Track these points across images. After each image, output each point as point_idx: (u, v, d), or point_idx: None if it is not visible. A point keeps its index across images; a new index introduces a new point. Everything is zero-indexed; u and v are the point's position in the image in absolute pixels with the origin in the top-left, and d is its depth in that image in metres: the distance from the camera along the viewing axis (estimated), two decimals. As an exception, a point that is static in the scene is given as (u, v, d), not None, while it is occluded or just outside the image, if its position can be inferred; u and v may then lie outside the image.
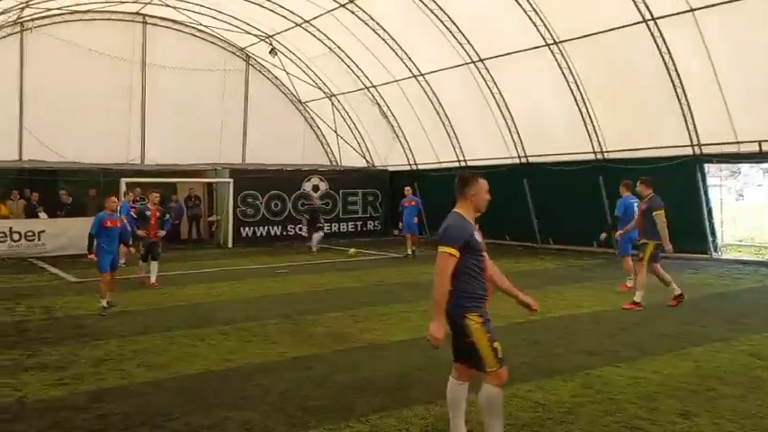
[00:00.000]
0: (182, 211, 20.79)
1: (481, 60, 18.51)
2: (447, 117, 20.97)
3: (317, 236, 19.18)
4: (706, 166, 15.49)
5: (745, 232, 20.29)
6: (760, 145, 14.23)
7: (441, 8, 17.76)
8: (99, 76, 21.32)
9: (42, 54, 20.80)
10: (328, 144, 26.50)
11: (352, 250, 18.19)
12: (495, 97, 18.88)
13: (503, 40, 17.56)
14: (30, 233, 17.54)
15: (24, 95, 20.82)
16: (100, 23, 21.78)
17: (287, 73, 24.15)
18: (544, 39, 16.55)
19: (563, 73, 16.73)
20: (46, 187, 19.10)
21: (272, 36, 22.71)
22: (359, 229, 23.37)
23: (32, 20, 20.56)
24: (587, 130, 17.09)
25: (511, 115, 18.90)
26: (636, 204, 10.77)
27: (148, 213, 12.45)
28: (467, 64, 18.89)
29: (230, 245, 20.53)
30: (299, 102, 25.78)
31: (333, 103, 24.59)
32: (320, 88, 24.31)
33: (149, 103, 22.76)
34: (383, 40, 20.10)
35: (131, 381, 6.33)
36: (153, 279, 12.42)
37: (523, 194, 18.80)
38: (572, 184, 17.42)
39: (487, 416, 4.34)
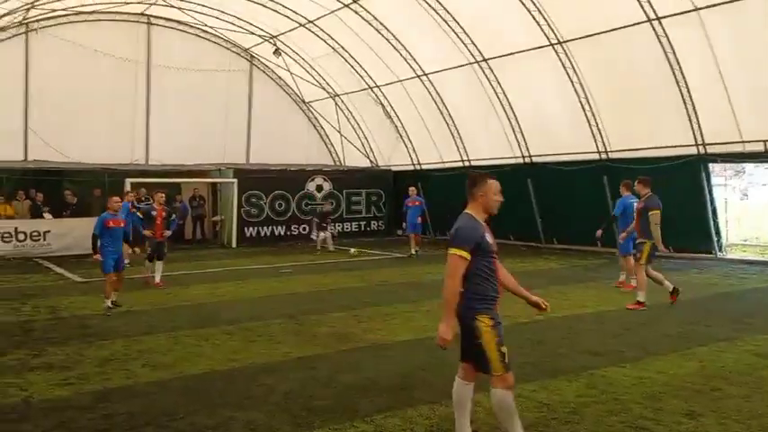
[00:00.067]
0: (186, 211, 20.82)
1: (485, 60, 18.50)
2: (451, 117, 20.96)
3: (322, 235, 19.16)
4: (710, 165, 15.46)
5: (750, 232, 20.24)
6: (765, 144, 14.20)
7: (444, 8, 17.76)
8: (104, 77, 21.39)
9: (47, 55, 20.87)
10: (332, 144, 26.52)
11: (353, 250, 18.20)
12: (498, 97, 18.87)
13: (506, 40, 17.55)
14: (35, 233, 17.60)
15: (30, 96, 20.89)
16: (105, 24, 21.85)
17: (291, 73, 24.17)
18: (548, 38, 16.54)
19: (567, 73, 16.71)
20: (51, 187, 19.17)
21: (275, 36, 22.73)
22: (362, 228, 23.38)
23: (37, 21, 20.63)
24: (591, 130, 17.06)
25: (515, 115, 18.88)
26: (635, 204, 10.73)
27: (154, 213, 12.48)
28: (470, 64, 18.88)
29: (234, 245, 20.55)
30: (303, 102, 25.80)
31: (336, 104, 24.61)
32: (324, 88, 24.33)
33: (154, 104, 22.81)
34: (387, 39, 20.10)
35: (136, 381, 6.35)
36: (157, 279, 12.45)
37: (527, 194, 18.78)
38: (576, 184, 17.40)
39: (503, 420, 4.33)
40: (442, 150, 22.02)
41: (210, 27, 22.86)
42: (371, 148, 25.15)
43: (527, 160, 19.16)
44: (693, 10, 13.73)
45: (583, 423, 5.08)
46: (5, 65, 20.45)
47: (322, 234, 19.18)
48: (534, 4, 15.99)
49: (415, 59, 20.40)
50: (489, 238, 4.36)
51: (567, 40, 16.36)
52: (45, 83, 20.76)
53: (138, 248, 12.48)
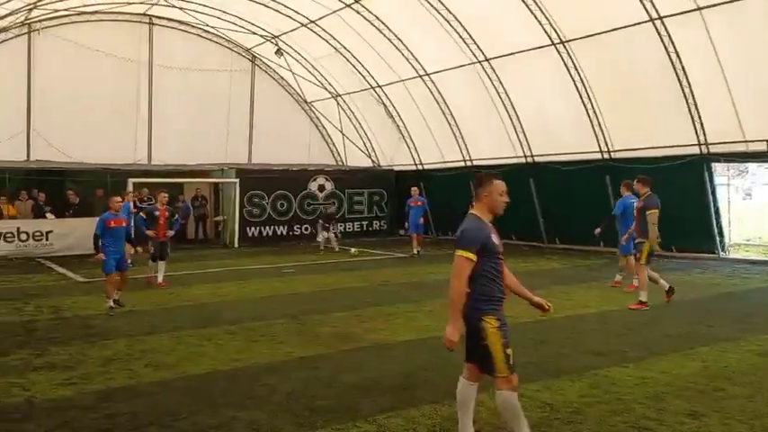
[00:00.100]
0: (188, 211, 20.83)
1: (487, 60, 18.49)
2: (453, 117, 20.95)
3: (325, 235, 19.11)
4: (713, 165, 15.43)
5: (753, 232, 20.21)
6: (768, 144, 14.19)
7: (446, 8, 17.76)
8: (106, 77, 21.42)
9: (50, 55, 20.90)
10: (334, 144, 26.52)
11: (354, 250, 18.20)
12: (500, 97, 18.86)
13: (508, 40, 17.54)
14: (37, 233, 17.63)
15: (32, 96, 20.92)
16: (107, 24, 21.87)
17: (293, 73, 24.18)
18: (550, 38, 16.52)
19: (569, 72, 16.70)
20: (53, 187, 19.22)
21: (277, 36, 22.74)
22: (364, 228, 23.38)
23: (40, 21, 20.66)
24: (594, 130, 17.05)
25: (517, 115, 18.87)
26: (635, 203, 10.70)
27: (157, 213, 12.49)
28: (472, 64, 18.87)
29: (236, 245, 20.57)
30: (305, 102, 25.81)
31: (338, 103, 24.61)
32: (326, 88, 24.33)
33: (156, 104, 22.83)
34: (389, 39, 20.10)
35: (139, 380, 6.35)
36: (160, 279, 12.46)
37: (529, 194, 18.77)
38: (578, 184, 17.39)
39: (509, 420, 4.32)
40: (444, 150, 22.01)
41: (212, 27, 22.88)
42: (373, 148, 25.15)
43: (529, 160, 19.15)
44: (696, 9, 13.72)
45: (586, 423, 5.07)
46: (8, 65, 20.48)
47: (325, 234, 19.16)
48: (536, 4, 15.98)
49: (417, 59, 20.39)
50: (495, 239, 4.35)
51: (569, 40, 16.34)
52: (47, 83, 20.79)
53: (141, 248, 12.49)
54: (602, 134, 17.02)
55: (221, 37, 23.83)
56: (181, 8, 21.18)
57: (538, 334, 8.00)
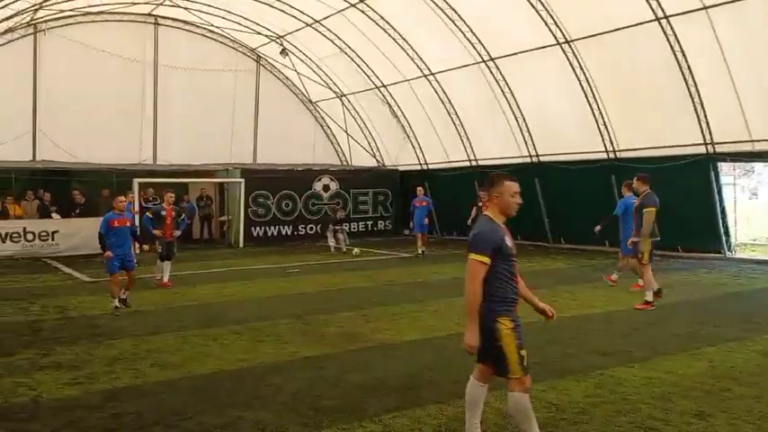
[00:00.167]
0: (193, 211, 20.89)
1: (492, 59, 18.46)
2: (458, 116, 20.93)
3: (334, 242, 18.89)
4: (719, 164, 15.38)
5: (759, 231, 20.14)
6: (774, 143, 14.13)
7: (451, 7, 17.74)
8: (111, 77, 21.48)
9: (55, 55, 20.97)
10: (339, 144, 26.53)
11: (357, 250, 18.18)
12: (506, 96, 18.83)
13: (513, 40, 17.51)
14: (43, 233, 17.69)
15: (38, 96, 21.00)
16: (112, 25, 21.93)
17: (297, 73, 24.20)
18: (555, 38, 16.49)
19: (574, 72, 16.66)
20: (59, 187, 19.28)
21: (282, 36, 22.76)
22: (369, 228, 23.39)
23: (45, 21, 20.73)
24: (599, 129, 17.01)
25: (522, 114, 18.84)
26: (634, 203, 10.66)
27: (164, 213, 12.50)
28: (477, 63, 18.85)
29: (241, 245, 20.60)
30: (310, 102, 25.83)
31: (343, 103, 24.62)
32: (330, 88, 24.34)
33: (161, 104, 22.88)
34: (393, 39, 20.10)
35: (145, 380, 6.36)
36: (165, 279, 12.48)
37: (535, 194, 18.73)
38: (584, 184, 17.36)
39: (520, 422, 4.31)
40: (449, 150, 22.00)
41: (217, 27, 22.92)
42: (378, 148, 25.15)
43: (534, 160, 19.12)
44: (702, 8, 13.67)
45: (592, 423, 5.06)
46: (14, 66, 20.56)
47: (334, 241, 18.78)
48: (541, 4, 15.95)
49: (421, 59, 20.38)
50: (509, 241, 4.31)
51: (575, 40, 16.30)
52: (53, 83, 20.86)
53: (148, 246, 12.52)
54: (608, 134, 16.98)
55: (226, 37, 23.87)
56: (186, 8, 21.23)
57: (543, 334, 7.96)
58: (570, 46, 16.43)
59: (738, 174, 18.25)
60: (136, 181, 18.56)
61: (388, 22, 19.70)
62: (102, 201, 18.32)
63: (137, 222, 13.64)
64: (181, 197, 20.10)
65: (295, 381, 6.24)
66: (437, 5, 17.78)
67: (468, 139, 21.11)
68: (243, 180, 20.76)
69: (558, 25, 16.27)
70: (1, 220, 17.60)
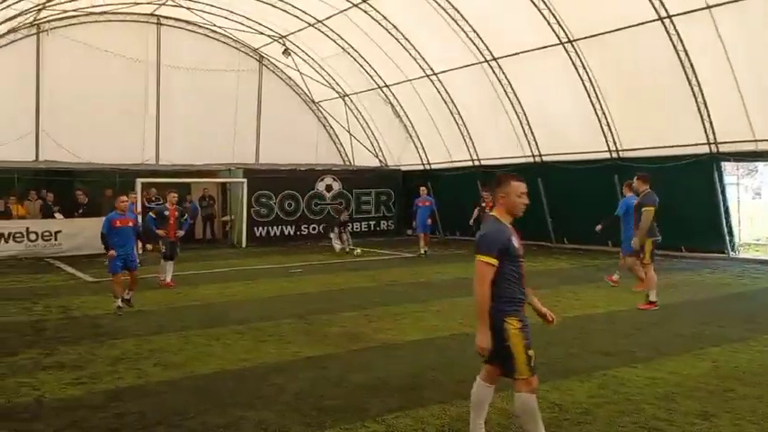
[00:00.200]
0: (196, 211, 20.89)
1: (495, 59, 18.45)
2: (460, 116, 20.92)
3: (339, 244, 18.76)
4: (723, 164, 15.34)
5: (763, 231, 20.08)
6: (778, 143, 14.09)
7: (454, 7, 17.73)
8: (114, 77, 21.50)
9: (58, 56, 21.00)
10: (341, 144, 26.54)
11: (358, 250, 18.16)
12: (508, 96, 18.81)
13: (516, 39, 17.49)
14: (46, 233, 17.72)
15: (41, 97, 21.03)
16: (115, 25, 21.96)
17: (300, 73, 24.21)
18: (558, 37, 16.47)
19: (577, 71, 16.64)
20: (62, 188, 19.31)
21: (285, 36, 22.77)
22: (372, 228, 23.38)
23: (48, 21, 20.76)
24: (602, 129, 16.98)
25: (525, 114, 18.82)
26: (634, 202, 10.63)
27: (167, 213, 12.50)
28: (480, 63, 18.83)
29: (244, 245, 20.60)
30: (313, 102, 25.83)
31: (346, 103, 24.62)
32: (333, 88, 24.34)
33: (164, 104, 22.91)
34: (396, 39, 20.09)
35: (148, 380, 6.37)
36: (168, 279, 12.48)
37: (538, 194, 18.70)
38: (587, 184, 17.33)
39: (526, 423, 4.29)
40: (452, 150, 21.99)
41: (220, 27, 22.93)
42: (381, 148, 25.15)
43: (537, 160, 19.09)
44: (705, 8, 13.64)
45: (595, 424, 5.05)
46: (17, 66, 20.60)
47: (339, 243, 18.58)
48: (544, 3, 15.93)
49: (424, 59, 20.37)
50: (516, 241, 4.29)
51: (578, 39, 16.28)
52: (56, 83, 20.89)
53: (151, 245, 12.52)
54: (611, 134, 16.95)
55: (229, 37, 23.88)
56: (188, 8, 21.24)
57: (546, 334, 7.92)
58: (573, 46, 16.41)
59: (742, 174, 18.14)
60: (139, 181, 18.59)
61: (390, 22, 19.69)
62: (105, 201, 18.34)
63: (140, 222, 13.62)
64: (183, 197, 20.13)
65: (298, 381, 6.23)
66: (440, 5, 17.77)
67: (470, 138, 21.10)
68: (245, 180, 20.77)
69: (560, 25, 16.25)
70: (4, 220, 17.62)
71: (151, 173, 20.30)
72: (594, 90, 16.65)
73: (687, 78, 14.69)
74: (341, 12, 19.96)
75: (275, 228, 21.58)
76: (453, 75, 20.13)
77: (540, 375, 6.09)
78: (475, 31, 18.14)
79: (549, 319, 4.56)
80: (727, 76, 14.04)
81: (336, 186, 22.74)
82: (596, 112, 16.86)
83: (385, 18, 19.60)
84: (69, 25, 21.21)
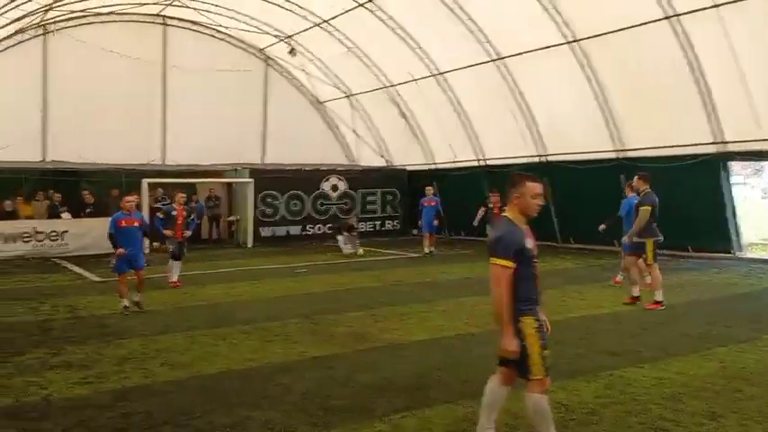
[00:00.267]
0: (202, 211, 20.94)
1: (501, 59, 18.41)
2: (466, 116, 20.89)
3: (349, 247, 18.66)
4: (730, 164, 15.27)
5: (770, 231, 19.99)
6: (785, 142, 14.01)
7: (460, 6, 17.69)
8: (120, 78, 21.53)
9: (65, 56, 21.04)
10: (347, 144, 26.53)
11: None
12: (514, 96, 18.77)
13: (522, 39, 17.44)
14: (53, 233, 17.79)
15: (48, 97, 21.10)
16: (121, 26, 21.99)
17: (306, 73, 24.22)
18: (565, 37, 16.42)
19: (584, 71, 16.58)
20: (69, 188, 19.37)
21: (290, 36, 22.77)
22: (377, 228, 23.36)
23: (55, 22, 20.83)
24: (608, 129, 16.92)
25: (531, 114, 18.78)
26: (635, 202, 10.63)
27: (175, 213, 12.51)
28: (486, 63, 18.79)
29: (250, 245, 20.63)
30: (318, 102, 25.84)
31: (351, 103, 24.62)
32: (339, 88, 24.34)
33: (170, 104, 22.94)
34: (402, 39, 20.07)
35: (154, 380, 6.39)
36: (174, 278, 12.50)
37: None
38: (593, 183, 17.27)
39: (538, 423, 4.27)
40: (458, 149, 21.94)
41: (225, 27, 22.95)
42: (386, 148, 25.13)
43: (543, 159, 19.04)
44: (713, 6, 13.57)
45: (602, 424, 5.04)
46: (24, 66, 20.65)
47: (349, 246, 18.28)
48: (550, 2, 15.89)
49: (430, 58, 20.35)
50: (530, 243, 4.26)
51: (584, 38, 16.22)
52: (62, 84, 20.94)
53: (157, 243, 12.54)
54: (617, 133, 16.89)
55: (234, 37, 23.90)
56: (194, 9, 21.28)
57: (552, 334, 7.91)
58: (579, 45, 16.36)
59: (749, 173, 18.09)
60: (145, 181, 18.63)
61: (396, 22, 19.68)
62: (112, 201, 18.40)
63: (146, 221, 13.63)
64: (189, 197, 20.17)
65: (304, 380, 6.24)
66: (446, 5, 17.74)
67: (476, 138, 21.06)
68: (251, 180, 20.80)
69: (566, 24, 16.20)
70: (11, 220, 17.70)
71: (157, 173, 20.36)
72: (600, 89, 16.59)
73: (694, 77, 14.62)
74: (347, 11, 19.94)
75: (281, 228, 21.59)
76: (459, 74, 20.09)
77: (547, 375, 6.14)
78: (481, 31, 18.11)
79: (545, 328, 4.50)
80: (734, 74, 13.97)
81: (342, 186, 22.74)
82: (602, 112, 16.80)
83: (391, 18, 19.58)
84: (76, 26, 21.24)
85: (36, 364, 6.97)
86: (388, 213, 23.73)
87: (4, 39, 20.00)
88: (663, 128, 15.72)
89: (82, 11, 20.51)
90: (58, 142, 20.70)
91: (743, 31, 13.55)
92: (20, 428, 5.12)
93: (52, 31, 20.96)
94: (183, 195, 13.07)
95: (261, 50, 24.57)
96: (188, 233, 12.74)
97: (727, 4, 13.34)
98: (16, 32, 20.00)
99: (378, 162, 25.17)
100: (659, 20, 14.41)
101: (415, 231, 22.05)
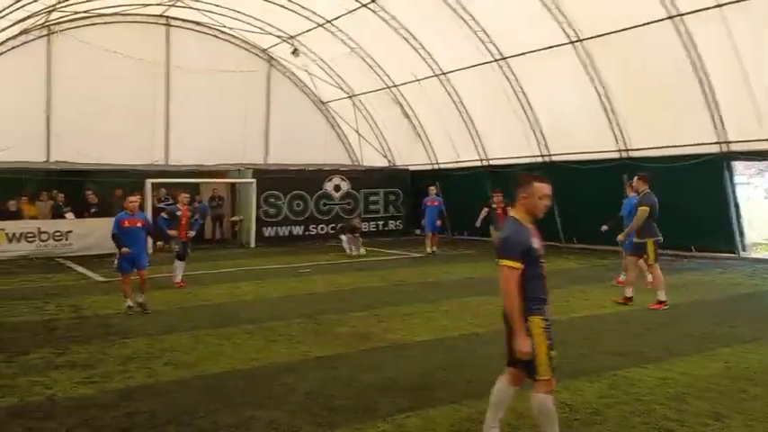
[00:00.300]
0: (205, 211, 20.94)
1: (504, 59, 18.40)
2: (469, 116, 20.88)
3: (353, 248, 18.64)
4: (733, 163, 15.24)
5: (774, 231, 19.92)
6: (789, 142, 13.99)
7: (463, 7, 17.69)
8: (124, 79, 21.59)
9: (68, 57, 21.10)
10: (350, 144, 26.55)
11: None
12: (517, 96, 18.77)
13: (525, 39, 17.44)
14: (57, 233, 17.82)
15: (51, 98, 21.16)
16: (124, 26, 22.05)
17: (309, 73, 24.24)
18: (568, 36, 16.41)
19: (587, 71, 16.57)
20: (73, 188, 19.41)
21: (293, 37, 22.80)
22: (380, 228, 23.36)
23: (59, 23, 20.88)
24: (612, 129, 16.91)
25: (534, 114, 18.77)
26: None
27: (179, 214, 12.51)
28: (489, 63, 18.79)
29: (253, 245, 20.65)
30: (321, 102, 25.86)
31: (354, 103, 24.62)
32: (342, 88, 24.36)
33: (173, 105, 22.99)
34: (405, 39, 20.08)
35: (158, 379, 6.40)
36: (178, 279, 12.51)
37: (546, 193, 18.62)
38: (596, 183, 17.24)
39: (543, 424, 4.27)
40: (460, 150, 21.94)
41: (229, 28, 22.99)
42: (389, 148, 25.14)
43: (546, 159, 19.03)
44: (716, 6, 13.55)
45: (606, 424, 5.03)
46: (28, 67, 20.72)
47: (353, 247, 18.24)
48: (553, 2, 15.88)
49: (433, 59, 20.35)
50: (537, 243, 4.27)
51: (587, 38, 16.21)
52: (66, 84, 21.00)
53: (161, 242, 12.54)
54: (620, 133, 16.87)
55: (237, 38, 23.95)
56: (198, 9, 21.31)
57: (556, 334, 7.87)
58: (582, 45, 16.34)
59: (752, 173, 18.04)
60: (148, 181, 18.66)
61: (399, 22, 19.69)
62: (116, 201, 18.42)
63: (150, 221, 13.64)
64: (193, 197, 20.20)
65: (308, 380, 6.25)
66: (448, 5, 17.74)
67: (479, 138, 21.06)
68: (254, 180, 20.82)
69: (569, 24, 16.19)
70: (15, 220, 17.74)
71: (161, 173, 20.39)
72: (604, 89, 16.58)
73: (697, 77, 14.60)
74: (350, 12, 19.95)
75: (284, 228, 21.61)
76: (462, 74, 20.09)
77: (551, 375, 6.13)
78: (484, 31, 18.11)
79: None
80: (737, 74, 13.95)
81: (345, 186, 22.75)
82: (605, 112, 16.79)
83: (394, 18, 19.59)
84: (79, 27, 21.31)
85: (40, 364, 6.99)
86: (391, 213, 23.73)
87: (9, 40, 20.07)
88: (666, 128, 15.70)
89: (85, 12, 20.56)
90: (62, 142, 20.76)
91: (746, 31, 13.53)
92: (25, 428, 5.13)
93: (56, 32, 21.03)
94: (187, 195, 13.09)
95: (264, 51, 24.61)
96: (192, 233, 12.75)
97: (730, 3, 13.33)
98: (20, 33, 20.06)
99: (380, 162, 25.19)
100: (662, 20, 14.40)
101: (417, 231, 22.04)
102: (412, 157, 24.16)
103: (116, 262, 10.20)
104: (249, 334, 8.32)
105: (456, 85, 20.59)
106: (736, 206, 15.17)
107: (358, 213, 21.72)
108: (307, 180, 22.06)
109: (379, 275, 13.77)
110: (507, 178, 18.57)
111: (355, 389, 5.98)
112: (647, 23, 14.72)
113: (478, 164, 21.35)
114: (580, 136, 17.79)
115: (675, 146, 15.58)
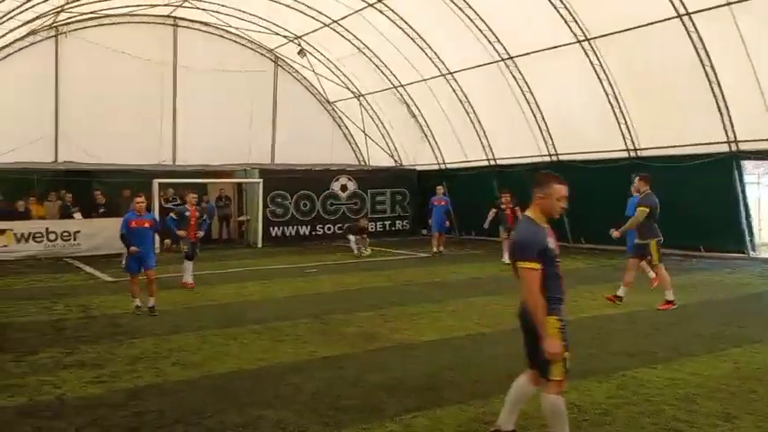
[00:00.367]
0: (212, 211, 20.98)
1: (511, 58, 18.36)
2: (476, 115, 20.84)
3: (360, 247, 18.61)
4: (743, 162, 15.15)
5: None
6: (799, 141, 13.90)
7: (470, 6, 17.66)
8: (131, 79, 21.68)
9: (76, 57, 21.20)
10: (356, 144, 26.56)
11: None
12: (525, 95, 18.71)
13: (532, 38, 17.39)
14: (65, 233, 17.90)
15: (59, 98, 21.25)
16: (132, 27, 22.15)
17: (315, 73, 24.26)
18: (575, 35, 16.35)
19: (594, 70, 16.51)
20: (81, 188, 19.49)
21: (300, 37, 22.82)
22: (387, 228, 23.34)
23: (67, 24, 20.98)
24: (620, 128, 16.83)
25: (541, 113, 18.71)
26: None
27: (188, 214, 12.51)
28: (496, 62, 18.75)
29: (260, 245, 20.67)
30: (328, 102, 25.88)
31: (361, 103, 24.63)
32: (348, 88, 24.36)
33: (180, 105, 23.05)
34: (411, 39, 20.07)
35: (166, 379, 6.41)
36: (186, 279, 12.51)
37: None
38: (604, 183, 17.14)
39: (554, 424, 4.25)
40: (467, 149, 21.91)
41: (235, 28, 23.05)
42: (396, 148, 25.13)
43: (554, 159, 18.97)
44: (725, 5, 13.47)
45: (614, 424, 5.00)
46: (36, 68, 20.84)
47: (361, 247, 18.18)
48: (561, 1, 15.82)
49: (440, 58, 20.32)
50: (552, 242, 4.25)
51: (595, 37, 16.15)
52: (74, 85, 21.10)
53: (168, 241, 12.55)
54: (629, 132, 16.80)
55: (244, 38, 24.00)
56: (204, 10, 21.36)
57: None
58: (590, 44, 16.28)
59: (762, 172, 17.90)
60: (155, 182, 18.72)
61: (405, 22, 19.67)
62: (123, 201, 18.49)
63: (158, 221, 13.67)
64: (200, 197, 20.23)
65: (314, 380, 6.24)
66: (455, 4, 17.72)
67: (486, 138, 21.01)
68: (261, 180, 20.85)
69: (577, 23, 16.13)
70: (24, 220, 17.83)
71: (168, 173, 20.45)
72: (612, 88, 16.51)
73: (706, 76, 14.51)
74: (356, 12, 19.97)
75: (291, 228, 21.63)
76: (469, 74, 20.05)
77: (559, 376, 6.10)
78: (491, 30, 18.07)
79: None
80: (747, 73, 13.86)
81: (351, 186, 22.74)
82: (613, 111, 16.72)
83: (400, 18, 19.58)
84: (87, 27, 21.42)
85: (49, 364, 7.01)
86: (398, 213, 23.70)
87: (17, 41, 20.18)
88: (675, 127, 15.62)
89: (93, 12, 20.64)
90: (70, 143, 20.88)
91: (755, 29, 13.45)
92: (34, 427, 5.15)
93: (64, 33, 21.14)
94: (195, 196, 13.11)
95: (270, 51, 24.65)
96: (200, 233, 12.75)
97: (739, 2, 13.24)
98: (28, 34, 20.17)
99: (387, 162, 25.18)
100: (671, 18, 14.33)
101: (424, 231, 22.01)
102: (419, 157, 24.14)
103: (124, 262, 10.23)
104: (256, 334, 8.32)
105: (463, 85, 20.56)
106: (746, 206, 15.08)
107: (365, 213, 21.74)
108: (313, 180, 22.07)
109: (385, 275, 13.76)
110: (514, 178, 18.55)
111: (362, 389, 5.98)
112: (656, 22, 14.65)
113: (485, 163, 21.31)
114: (587, 135, 17.72)
115: (684, 145, 15.50)
